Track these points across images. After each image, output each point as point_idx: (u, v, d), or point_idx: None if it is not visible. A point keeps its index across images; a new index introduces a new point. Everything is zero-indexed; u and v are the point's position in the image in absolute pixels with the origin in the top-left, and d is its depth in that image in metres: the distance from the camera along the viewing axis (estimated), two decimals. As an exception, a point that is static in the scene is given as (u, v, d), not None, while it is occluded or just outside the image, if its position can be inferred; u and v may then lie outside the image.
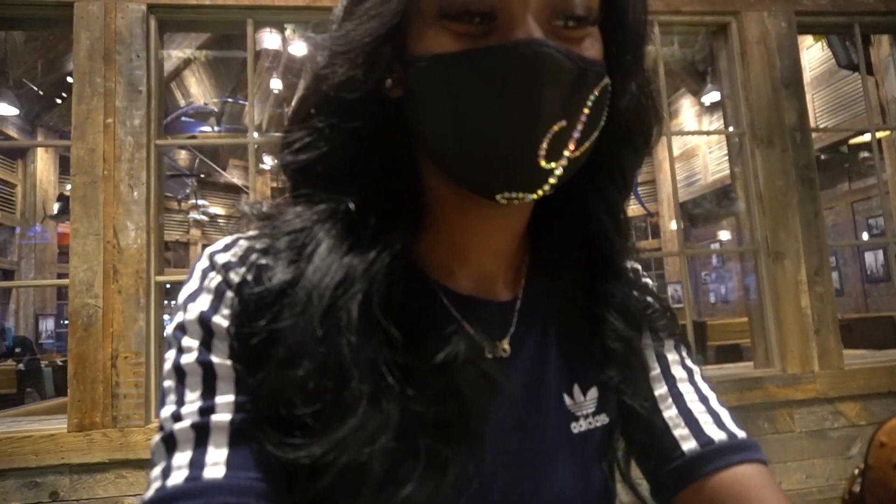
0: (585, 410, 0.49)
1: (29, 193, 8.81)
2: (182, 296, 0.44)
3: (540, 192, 0.41)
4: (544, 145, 0.39)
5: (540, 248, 0.53)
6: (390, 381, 0.40)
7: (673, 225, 10.25)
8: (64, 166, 9.01)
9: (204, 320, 0.41)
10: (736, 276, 10.78)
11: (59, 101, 8.00)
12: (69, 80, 7.01)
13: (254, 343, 0.40)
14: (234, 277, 0.43)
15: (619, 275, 0.52)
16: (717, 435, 0.48)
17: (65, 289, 2.08)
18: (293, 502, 0.39)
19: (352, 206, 0.43)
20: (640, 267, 0.57)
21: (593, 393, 0.50)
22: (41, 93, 7.57)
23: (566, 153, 0.41)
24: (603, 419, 0.50)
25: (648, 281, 0.57)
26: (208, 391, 0.40)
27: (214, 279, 0.43)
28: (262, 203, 0.48)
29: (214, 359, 0.40)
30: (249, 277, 0.42)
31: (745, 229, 2.32)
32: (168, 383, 0.41)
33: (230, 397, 0.39)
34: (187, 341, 0.41)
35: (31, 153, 8.81)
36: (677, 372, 0.53)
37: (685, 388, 0.52)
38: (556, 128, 0.39)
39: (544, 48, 0.38)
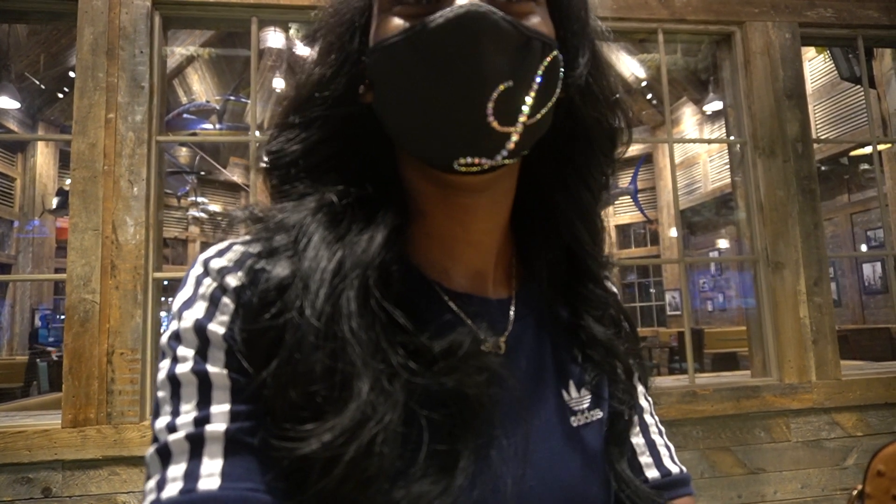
0: (582, 405, 0.51)
1: (28, 187, 8.79)
2: (176, 304, 0.43)
3: (499, 159, 0.42)
4: (491, 105, 0.40)
5: (524, 252, 0.55)
6: (394, 361, 0.40)
7: (672, 232, 10.26)
8: (64, 161, 9.00)
9: (199, 328, 0.40)
10: (734, 285, 10.79)
11: (60, 95, 8.00)
12: (71, 74, 7.01)
13: (262, 343, 0.39)
14: (232, 282, 0.42)
15: (596, 280, 0.55)
16: (673, 468, 0.57)
17: (61, 283, 2.07)
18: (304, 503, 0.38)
19: (335, 198, 0.45)
20: (615, 291, 0.59)
21: (586, 390, 0.52)
22: (43, 87, 7.56)
23: (521, 119, 0.41)
24: (598, 414, 0.52)
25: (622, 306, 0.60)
26: (204, 401, 0.39)
27: (210, 286, 0.42)
28: (254, 206, 0.48)
29: (210, 368, 0.39)
30: (247, 281, 0.42)
31: (745, 239, 2.33)
32: (162, 394, 0.40)
33: (226, 406, 0.39)
34: (182, 350, 0.40)
35: (32, 147, 8.80)
36: (644, 403, 0.59)
37: (649, 420, 0.59)
38: (501, 87, 0.40)
39: (478, 8, 0.39)
